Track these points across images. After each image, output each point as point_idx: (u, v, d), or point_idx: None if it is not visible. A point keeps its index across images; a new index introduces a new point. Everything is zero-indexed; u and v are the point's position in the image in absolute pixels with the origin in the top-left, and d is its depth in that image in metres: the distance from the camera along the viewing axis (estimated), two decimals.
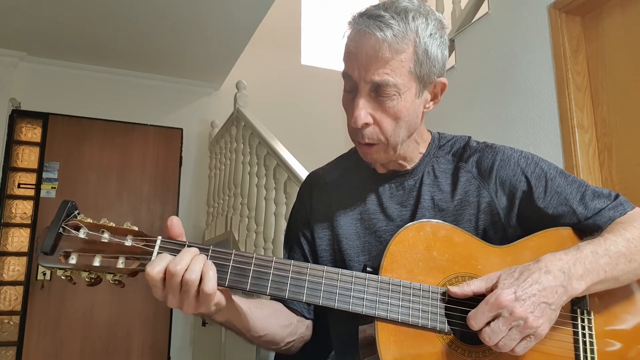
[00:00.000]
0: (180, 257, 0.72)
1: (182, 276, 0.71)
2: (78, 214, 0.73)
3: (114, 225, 0.74)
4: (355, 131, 0.90)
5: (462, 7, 3.11)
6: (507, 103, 2.62)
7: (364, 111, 0.86)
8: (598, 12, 2.33)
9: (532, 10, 2.53)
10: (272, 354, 1.12)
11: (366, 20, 0.84)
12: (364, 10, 0.88)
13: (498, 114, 2.67)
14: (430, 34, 0.87)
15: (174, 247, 0.75)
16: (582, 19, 2.40)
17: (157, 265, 0.71)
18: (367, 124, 0.88)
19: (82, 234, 0.71)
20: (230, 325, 0.88)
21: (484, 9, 2.89)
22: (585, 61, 2.37)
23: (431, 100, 0.94)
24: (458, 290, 0.80)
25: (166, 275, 0.71)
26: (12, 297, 3.82)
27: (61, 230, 0.71)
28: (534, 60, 2.50)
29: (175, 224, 0.77)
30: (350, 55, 0.87)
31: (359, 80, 0.86)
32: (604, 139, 2.27)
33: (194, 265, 0.72)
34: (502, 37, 2.70)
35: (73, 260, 0.70)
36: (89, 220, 0.72)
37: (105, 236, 0.72)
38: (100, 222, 0.72)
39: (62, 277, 0.70)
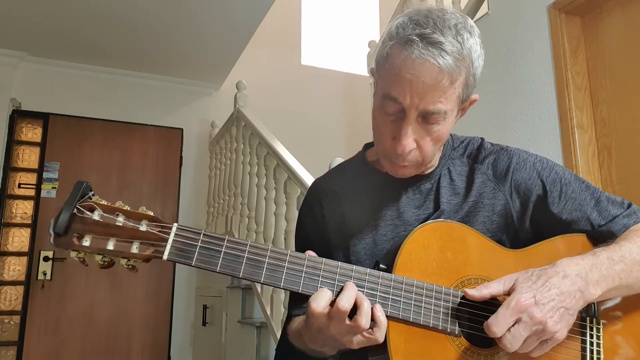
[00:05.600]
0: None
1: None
2: (93, 195, 0.72)
3: (129, 208, 0.72)
4: (396, 155, 0.87)
5: (462, 7, 3.13)
6: (507, 103, 2.63)
7: (411, 139, 0.85)
8: (598, 12, 2.34)
9: (532, 10, 2.54)
10: (272, 354, 1.11)
11: (427, 47, 0.79)
12: (418, 32, 0.79)
13: (498, 114, 2.68)
14: (478, 55, 0.84)
15: (190, 234, 0.73)
16: (581, 19, 2.42)
17: (321, 301, 0.74)
18: (411, 150, 0.86)
19: (96, 215, 0.69)
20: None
21: (484, 9, 2.91)
22: (585, 61, 2.39)
23: (460, 114, 0.93)
24: (476, 292, 0.78)
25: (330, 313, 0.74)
26: (12, 297, 3.80)
27: (75, 211, 0.69)
28: (533, 60, 2.51)
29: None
30: (402, 80, 0.81)
31: (410, 108, 0.82)
32: (603, 139, 2.28)
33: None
34: (502, 37, 2.71)
35: (87, 242, 0.69)
36: (104, 202, 0.70)
37: (120, 219, 0.70)
38: (116, 205, 0.71)
39: (75, 259, 0.68)
